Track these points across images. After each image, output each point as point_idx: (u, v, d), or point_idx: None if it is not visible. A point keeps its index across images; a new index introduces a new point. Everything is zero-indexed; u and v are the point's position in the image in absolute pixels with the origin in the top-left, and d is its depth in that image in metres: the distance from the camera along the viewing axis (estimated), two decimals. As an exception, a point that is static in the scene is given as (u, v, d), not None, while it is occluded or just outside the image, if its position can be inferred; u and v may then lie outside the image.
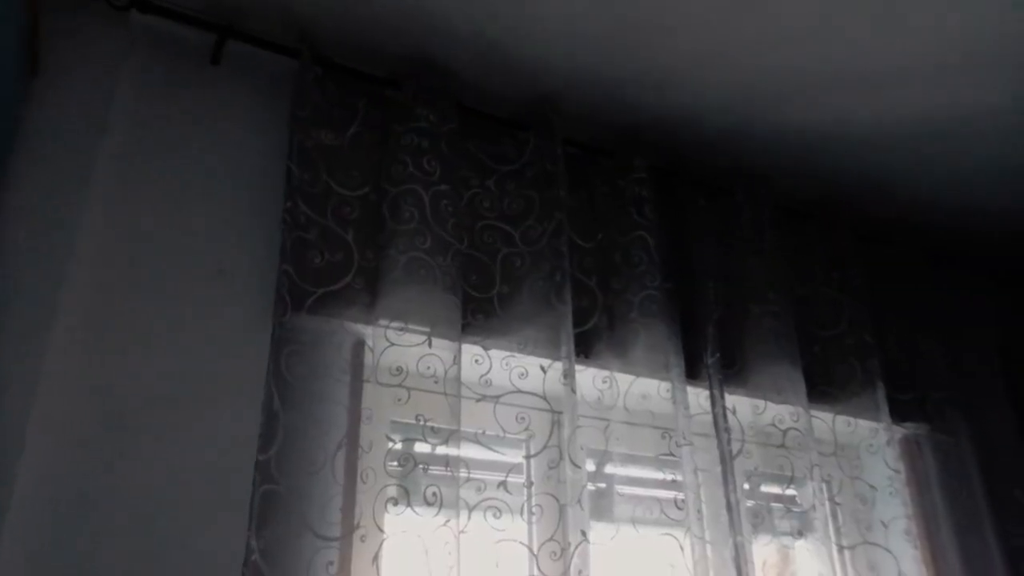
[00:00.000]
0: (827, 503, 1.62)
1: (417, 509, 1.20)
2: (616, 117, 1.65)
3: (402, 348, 1.28)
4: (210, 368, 1.19)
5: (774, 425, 1.59)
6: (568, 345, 1.38)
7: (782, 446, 1.57)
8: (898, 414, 1.74)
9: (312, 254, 1.28)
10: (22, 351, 1.07)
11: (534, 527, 1.34)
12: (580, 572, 1.22)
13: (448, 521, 1.19)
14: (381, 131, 1.44)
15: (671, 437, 1.44)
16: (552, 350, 1.39)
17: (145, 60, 1.34)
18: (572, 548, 1.24)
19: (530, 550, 1.31)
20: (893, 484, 1.63)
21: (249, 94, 1.41)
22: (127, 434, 1.11)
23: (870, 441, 1.70)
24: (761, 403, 1.60)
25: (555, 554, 1.27)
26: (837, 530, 1.65)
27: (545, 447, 1.40)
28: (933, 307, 1.94)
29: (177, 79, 1.36)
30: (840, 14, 1.44)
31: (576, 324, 1.43)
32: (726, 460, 1.48)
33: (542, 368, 1.40)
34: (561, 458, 1.33)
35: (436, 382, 1.27)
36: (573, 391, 1.35)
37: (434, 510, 1.20)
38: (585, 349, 1.47)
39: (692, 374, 1.53)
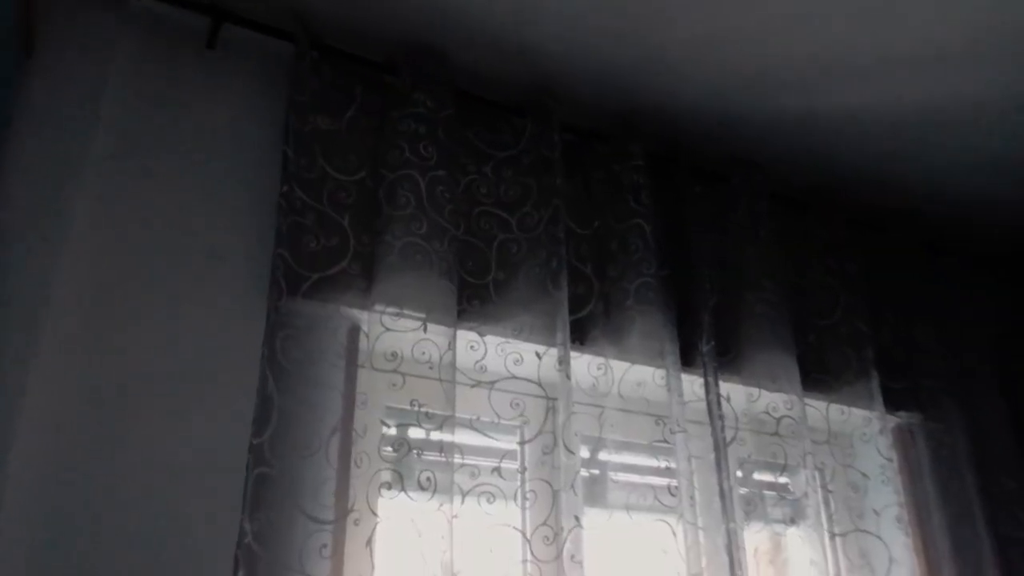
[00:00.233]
0: (819, 491, 1.63)
1: (411, 494, 1.21)
2: (613, 103, 1.65)
3: (397, 334, 1.28)
4: (205, 352, 1.20)
5: (768, 413, 1.60)
6: (564, 332, 1.38)
7: (775, 434, 1.58)
8: (892, 403, 1.75)
9: (308, 239, 1.28)
10: (15, 336, 1.07)
11: (527, 512, 1.35)
12: (573, 557, 1.23)
13: (442, 506, 1.19)
14: (378, 116, 1.44)
15: (665, 424, 1.45)
16: (547, 337, 1.40)
17: (140, 43, 1.34)
18: (565, 533, 1.25)
19: (523, 535, 1.31)
20: (885, 472, 1.64)
21: (245, 78, 1.41)
22: (121, 418, 1.11)
23: (863, 429, 1.71)
24: (755, 391, 1.61)
25: (548, 539, 1.28)
26: (829, 517, 1.66)
27: (539, 433, 1.40)
28: (928, 296, 1.94)
29: (172, 63, 1.36)
30: (839, 2, 1.43)
31: (572, 311, 1.43)
32: (720, 447, 1.49)
33: (537, 354, 1.40)
34: (555, 444, 1.34)
35: (431, 368, 1.28)
36: (568, 378, 1.35)
37: (428, 495, 1.20)
38: (580, 336, 1.47)
39: (687, 362, 1.53)
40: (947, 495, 1.74)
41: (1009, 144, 1.81)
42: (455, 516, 1.19)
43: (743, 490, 1.54)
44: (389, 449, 1.24)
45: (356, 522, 1.15)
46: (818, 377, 1.70)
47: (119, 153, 1.25)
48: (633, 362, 1.49)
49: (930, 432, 1.82)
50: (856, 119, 1.73)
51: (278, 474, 1.11)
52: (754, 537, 1.52)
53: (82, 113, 1.23)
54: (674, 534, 1.37)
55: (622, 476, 1.45)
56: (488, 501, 1.30)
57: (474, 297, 1.40)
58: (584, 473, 1.39)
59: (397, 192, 1.35)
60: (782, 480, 1.62)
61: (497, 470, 1.33)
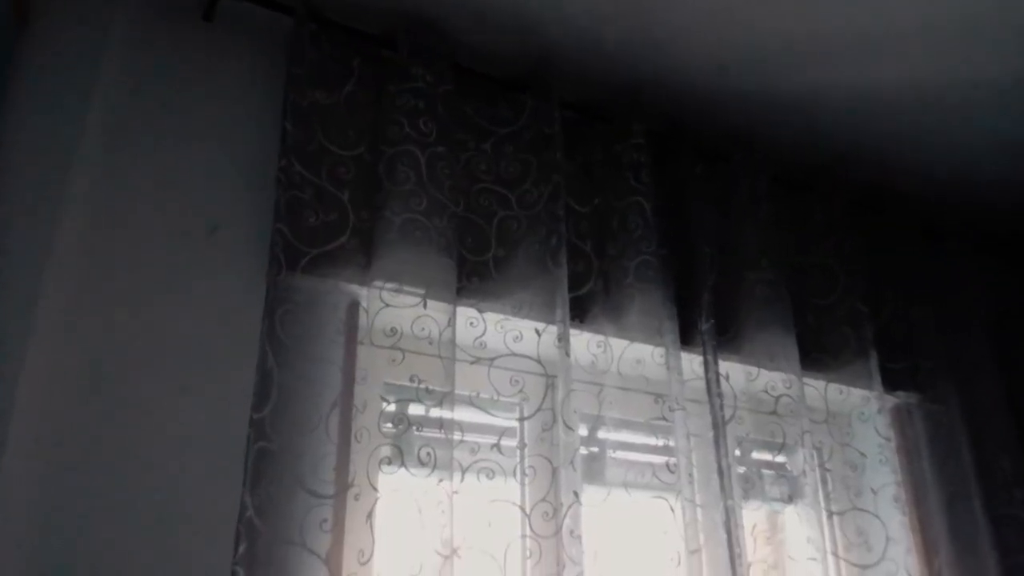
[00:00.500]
0: (817, 469, 1.63)
1: (411, 469, 1.21)
2: (614, 78, 1.64)
3: (397, 309, 1.28)
4: (204, 326, 1.19)
5: (766, 392, 1.60)
6: (563, 309, 1.38)
7: (774, 413, 1.59)
8: (890, 383, 1.75)
9: (307, 214, 1.27)
10: (13, 313, 1.06)
11: (527, 488, 1.35)
12: (572, 532, 1.24)
13: (441, 481, 1.19)
14: (376, 91, 1.43)
15: (664, 402, 1.45)
16: (547, 314, 1.39)
17: (137, 15, 1.32)
18: (564, 509, 1.25)
19: (522, 510, 1.32)
20: (883, 452, 1.65)
21: (243, 51, 1.39)
22: (120, 393, 1.11)
23: (862, 409, 1.72)
24: (754, 370, 1.61)
25: (547, 514, 1.28)
26: (827, 496, 1.67)
27: (539, 410, 1.40)
28: (927, 277, 1.95)
29: (169, 35, 1.34)
30: (842, -22, 1.42)
31: (571, 288, 1.43)
32: (718, 426, 1.49)
33: (537, 331, 1.40)
34: (555, 421, 1.34)
35: (430, 344, 1.27)
36: (567, 355, 1.35)
37: (427, 470, 1.21)
38: (580, 313, 1.47)
39: (686, 340, 1.53)
40: (944, 474, 1.75)
41: (1010, 124, 1.81)
42: (455, 492, 1.20)
43: (741, 469, 1.55)
44: (389, 425, 1.24)
45: (356, 497, 1.15)
46: (817, 356, 1.70)
47: (116, 127, 1.24)
48: (632, 340, 1.49)
49: (928, 412, 1.82)
50: (857, 98, 1.72)
51: (278, 449, 1.11)
52: (752, 515, 1.53)
53: (78, 86, 1.22)
54: (672, 511, 1.38)
55: (621, 454, 1.46)
56: (488, 477, 1.30)
57: (474, 274, 1.39)
58: (583, 451, 1.39)
59: (396, 168, 1.34)
60: (780, 459, 1.63)
61: (496, 446, 1.33)
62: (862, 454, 1.67)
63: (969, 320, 1.97)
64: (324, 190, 1.31)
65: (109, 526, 1.04)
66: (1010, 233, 2.21)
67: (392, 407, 1.26)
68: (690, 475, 1.40)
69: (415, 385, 1.25)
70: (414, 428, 1.24)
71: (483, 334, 1.38)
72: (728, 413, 1.52)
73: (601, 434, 1.45)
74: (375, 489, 1.17)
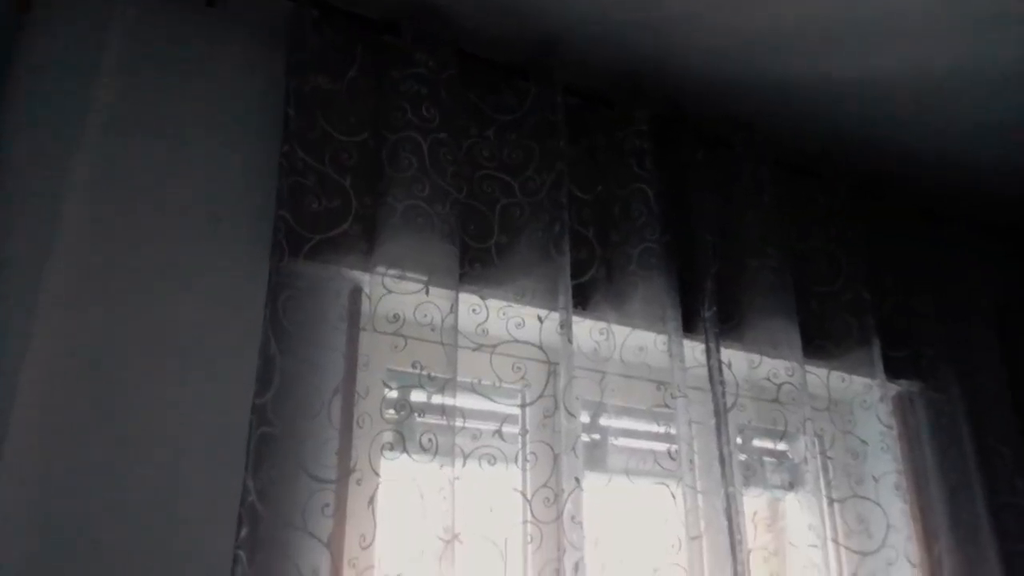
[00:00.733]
0: (819, 457, 1.64)
1: (412, 455, 1.22)
2: (617, 64, 1.63)
3: (399, 296, 1.28)
4: (207, 312, 1.19)
5: (768, 379, 1.60)
6: (566, 296, 1.38)
7: (776, 400, 1.59)
8: (892, 371, 1.76)
9: (309, 200, 1.27)
10: (14, 298, 1.07)
11: (528, 474, 1.36)
12: (573, 518, 1.24)
13: (443, 467, 1.20)
14: (379, 77, 1.42)
15: (666, 389, 1.45)
16: (550, 301, 1.39)
17: (139, 1, 1.31)
18: (566, 495, 1.25)
19: (524, 496, 1.32)
20: (885, 440, 1.65)
21: (245, 37, 1.39)
22: (123, 378, 1.11)
23: (864, 397, 1.72)
24: (756, 357, 1.61)
25: (548, 500, 1.29)
26: (828, 483, 1.67)
27: (541, 397, 1.41)
28: (930, 265, 1.94)
29: (172, 21, 1.33)
30: (848, -37, 1.41)
31: (574, 276, 1.43)
32: (720, 413, 1.49)
33: (539, 319, 1.40)
34: (556, 408, 1.34)
35: (433, 330, 1.28)
36: (570, 342, 1.35)
37: (429, 456, 1.21)
38: (582, 301, 1.47)
39: (689, 327, 1.53)
40: (945, 462, 1.76)
41: (1014, 110, 1.80)
42: (456, 477, 1.20)
43: (743, 456, 1.55)
44: (391, 411, 1.24)
45: (358, 482, 1.15)
46: (819, 344, 1.70)
47: (118, 113, 1.24)
48: (635, 327, 1.49)
49: (930, 400, 1.82)
50: (860, 84, 1.71)
51: (281, 434, 1.12)
52: (753, 502, 1.54)
53: (80, 73, 1.21)
54: (673, 498, 1.38)
55: (623, 441, 1.46)
56: (489, 463, 1.30)
57: (476, 261, 1.39)
58: (585, 438, 1.40)
59: (399, 154, 1.34)
60: (781, 447, 1.63)
61: (498, 433, 1.34)
62: (863, 442, 1.68)
63: (971, 308, 1.97)
64: (327, 176, 1.31)
65: (112, 510, 1.05)
66: (1013, 221, 2.20)
67: (394, 393, 1.26)
68: (691, 462, 1.40)
69: (417, 371, 1.26)
70: (416, 414, 1.24)
71: (485, 321, 1.38)
72: (730, 401, 1.53)
73: (603, 421, 1.45)
74: (377, 474, 1.18)
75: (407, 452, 1.21)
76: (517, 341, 1.39)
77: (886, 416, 1.66)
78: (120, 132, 1.23)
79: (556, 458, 1.30)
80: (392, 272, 1.28)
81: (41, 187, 1.13)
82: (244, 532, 1.04)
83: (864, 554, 1.59)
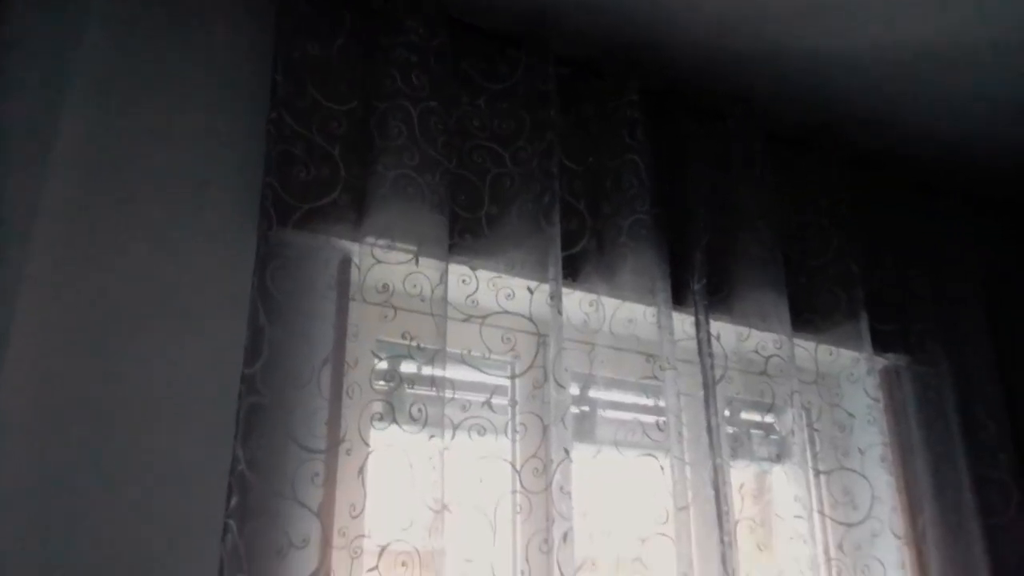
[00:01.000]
0: (806, 429, 1.65)
1: (402, 426, 1.21)
2: (611, 34, 1.61)
3: (388, 266, 1.27)
4: (195, 281, 1.18)
5: (757, 352, 1.60)
6: (556, 267, 1.38)
7: (764, 373, 1.59)
8: (880, 344, 1.76)
9: (298, 168, 1.26)
10: (2, 266, 1.05)
11: (517, 445, 1.36)
12: (562, 488, 1.25)
13: (432, 437, 1.20)
14: (369, 44, 1.40)
15: (655, 361, 1.46)
16: (539, 272, 1.39)
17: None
18: (554, 465, 1.26)
19: (513, 466, 1.32)
20: (871, 412, 1.66)
21: (234, 2, 1.36)
22: (111, 346, 1.10)
23: (851, 370, 1.73)
24: (745, 330, 1.61)
25: (537, 470, 1.29)
26: (814, 455, 1.69)
27: (530, 368, 1.41)
28: (920, 240, 1.95)
29: (157, -16, 1.31)
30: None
31: (564, 247, 1.43)
32: (709, 385, 1.50)
33: (529, 290, 1.40)
34: (546, 379, 1.34)
35: (422, 301, 1.27)
36: (559, 313, 1.35)
37: (419, 427, 1.21)
38: (572, 272, 1.46)
39: (678, 300, 1.53)
40: (931, 436, 1.77)
41: (1010, 85, 1.79)
42: (446, 448, 1.20)
43: (730, 428, 1.56)
44: (381, 382, 1.24)
45: (348, 452, 1.15)
46: (808, 317, 1.71)
47: (105, 79, 1.22)
48: (624, 299, 1.49)
49: (917, 374, 1.83)
50: (856, 58, 1.70)
51: (270, 403, 1.11)
52: (740, 473, 1.55)
53: (68, 37, 1.19)
54: (661, 469, 1.39)
55: (611, 413, 1.46)
56: (479, 434, 1.31)
57: (466, 231, 1.39)
58: (574, 410, 1.40)
59: (389, 122, 1.32)
60: (769, 419, 1.64)
61: (488, 404, 1.34)
62: (850, 415, 1.69)
63: (962, 284, 1.98)
64: (315, 144, 1.29)
65: (100, 480, 1.04)
66: (1004, 195, 2.21)
67: (384, 364, 1.26)
68: (680, 434, 1.41)
69: (407, 342, 1.25)
70: (406, 385, 1.24)
71: (475, 291, 1.37)
72: (718, 373, 1.53)
73: (592, 393, 1.45)
74: (367, 444, 1.18)
75: (397, 423, 1.21)
76: (507, 312, 1.39)
77: (873, 389, 1.67)
78: (107, 98, 1.21)
79: (545, 429, 1.31)
80: (381, 242, 1.27)
81: (28, 154, 1.12)
82: (234, 501, 1.04)
83: (849, 525, 1.61)
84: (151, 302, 1.14)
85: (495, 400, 1.35)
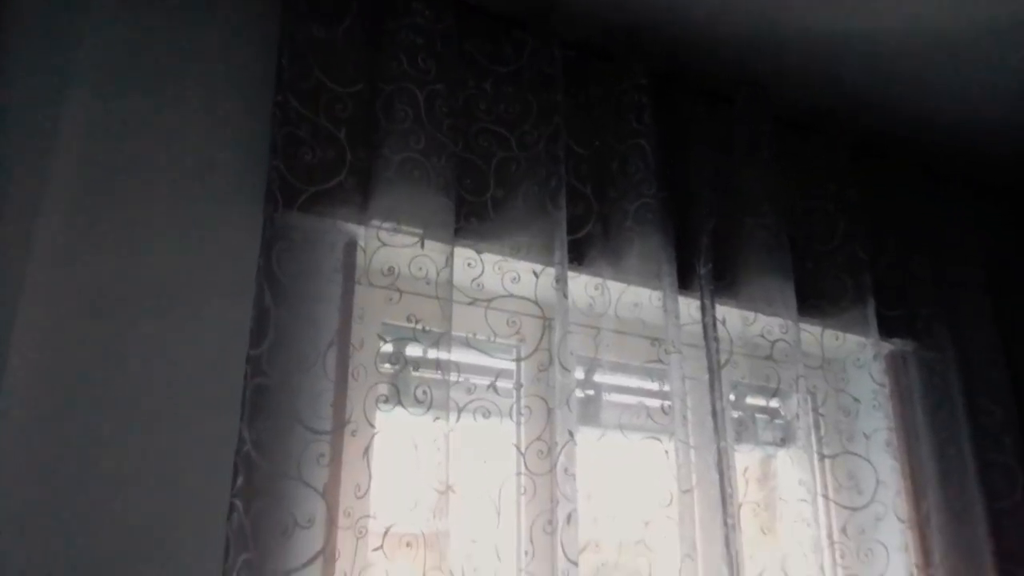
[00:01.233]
0: (811, 414, 1.65)
1: (408, 408, 1.22)
2: (616, 16, 1.60)
3: (394, 249, 1.28)
4: (201, 263, 1.19)
5: (763, 336, 1.60)
6: (561, 251, 1.38)
7: (769, 358, 1.59)
8: (886, 330, 1.76)
9: (303, 151, 1.25)
10: (8, 249, 1.06)
11: (522, 427, 1.37)
12: (566, 470, 1.25)
13: (437, 420, 1.21)
14: (375, 27, 1.40)
15: (661, 346, 1.46)
16: (545, 256, 1.39)
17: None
18: (559, 447, 1.26)
19: (517, 449, 1.33)
20: (877, 397, 1.66)
21: (238, -17, 1.36)
22: (117, 328, 1.11)
23: (857, 355, 1.72)
24: (751, 315, 1.61)
25: (542, 452, 1.30)
26: (819, 440, 1.69)
27: (535, 351, 1.41)
28: (926, 225, 1.94)
29: (163, -34, 1.31)
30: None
31: (570, 231, 1.42)
32: (714, 370, 1.50)
33: (534, 273, 1.40)
34: (551, 362, 1.34)
35: (428, 284, 1.27)
36: (565, 297, 1.35)
37: (424, 409, 1.22)
38: (578, 256, 1.46)
39: (684, 284, 1.53)
40: (936, 421, 1.77)
41: (1015, 70, 1.77)
42: (451, 430, 1.21)
43: (735, 412, 1.56)
44: (386, 365, 1.25)
45: (353, 433, 1.16)
46: (814, 302, 1.70)
47: (111, 62, 1.22)
48: (630, 283, 1.49)
49: (923, 359, 1.83)
50: (862, 41, 1.69)
51: (276, 385, 1.12)
52: (745, 458, 1.55)
53: (73, 20, 1.19)
54: (666, 452, 1.40)
55: (616, 397, 1.47)
56: (484, 416, 1.31)
57: (472, 215, 1.39)
58: (579, 394, 1.40)
59: (394, 105, 1.32)
60: (774, 403, 1.64)
61: (493, 387, 1.34)
62: (856, 399, 1.69)
63: (967, 269, 1.97)
64: (321, 127, 1.29)
65: (107, 460, 1.05)
66: (1007, 181, 2.19)
67: (389, 347, 1.26)
68: (684, 418, 1.41)
69: (412, 325, 1.26)
70: (411, 367, 1.25)
71: (481, 275, 1.38)
72: (724, 357, 1.53)
73: (597, 377, 1.46)
74: (372, 426, 1.19)
75: (402, 405, 1.22)
76: (512, 296, 1.39)
77: (879, 374, 1.67)
78: (113, 80, 1.21)
79: (550, 412, 1.31)
80: (387, 225, 1.28)
81: (33, 136, 1.12)
82: (240, 481, 1.05)
83: (853, 509, 1.61)
84: (157, 284, 1.15)
85: (500, 383, 1.35)
